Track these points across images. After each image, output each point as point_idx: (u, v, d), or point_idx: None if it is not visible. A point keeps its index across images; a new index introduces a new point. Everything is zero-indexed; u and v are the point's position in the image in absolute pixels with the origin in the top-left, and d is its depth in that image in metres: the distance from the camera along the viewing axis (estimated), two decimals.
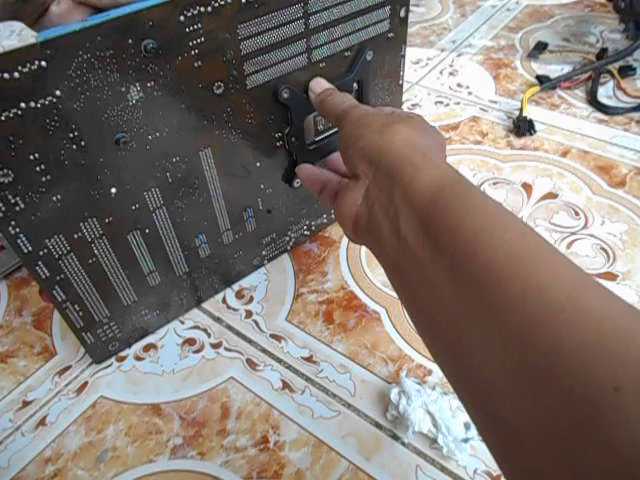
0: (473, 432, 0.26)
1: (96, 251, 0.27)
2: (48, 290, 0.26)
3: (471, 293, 0.15)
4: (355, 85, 0.33)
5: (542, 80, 0.52)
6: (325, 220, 0.39)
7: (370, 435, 0.28)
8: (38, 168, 0.22)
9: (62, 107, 0.21)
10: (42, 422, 0.29)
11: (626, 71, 0.53)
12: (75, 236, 0.25)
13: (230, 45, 0.25)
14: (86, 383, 0.31)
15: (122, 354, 0.32)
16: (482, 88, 0.54)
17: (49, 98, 0.21)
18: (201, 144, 0.28)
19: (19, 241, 0.24)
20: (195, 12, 0.23)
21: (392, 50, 0.34)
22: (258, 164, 0.31)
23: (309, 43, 0.29)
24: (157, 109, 0.25)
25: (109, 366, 0.32)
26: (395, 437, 0.28)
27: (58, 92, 0.21)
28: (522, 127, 0.47)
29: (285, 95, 0.29)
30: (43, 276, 0.25)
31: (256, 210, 0.33)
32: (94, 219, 0.26)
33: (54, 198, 0.24)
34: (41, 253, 0.25)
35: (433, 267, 0.17)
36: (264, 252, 0.36)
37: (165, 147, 0.26)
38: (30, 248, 0.24)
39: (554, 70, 0.55)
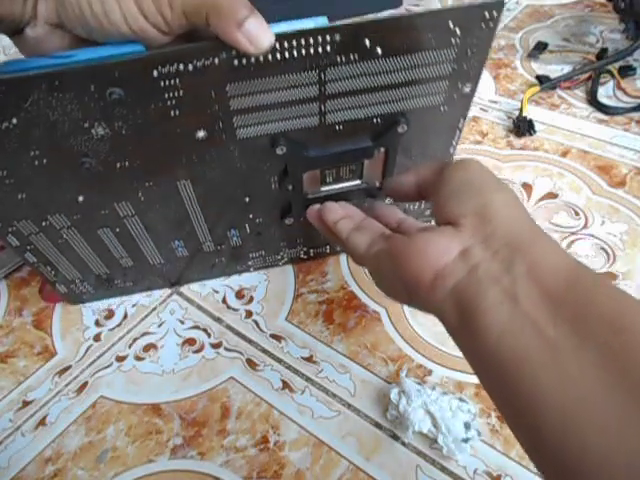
0: (473, 432, 0.26)
1: (65, 236, 0.27)
2: (20, 255, 0.27)
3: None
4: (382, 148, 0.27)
5: (542, 80, 0.52)
6: (327, 250, 0.36)
7: (370, 435, 0.28)
8: (0, 173, 0.22)
9: (20, 132, 0.21)
10: (42, 422, 0.29)
11: (626, 71, 0.53)
12: (43, 224, 0.26)
13: (216, 100, 0.22)
14: (86, 383, 0.31)
15: (122, 354, 0.32)
16: (482, 88, 0.54)
17: (5, 124, 0.20)
18: (179, 176, 0.26)
19: None
20: (172, 69, 0.20)
21: (443, 123, 0.27)
22: (247, 199, 0.29)
23: (324, 107, 0.24)
24: (126, 145, 0.23)
25: (109, 366, 0.32)
26: (395, 437, 0.27)
27: (15, 120, 0.20)
28: (522, 127, 0.46)
29: (280, 152, 0.25)
30: (14, 245, 0.27)
31: (243, 232, 0.32)
32: (61, 214, 0.26)
33: (19, 197, 0.24)
34: (10, 230, 0.26)
35: (571, 354, 0.15)
36: (250, 262, 0.35)
37: (136, 174, 0.25)
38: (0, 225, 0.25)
39: (554, 70, 0.55)
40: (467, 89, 0.25)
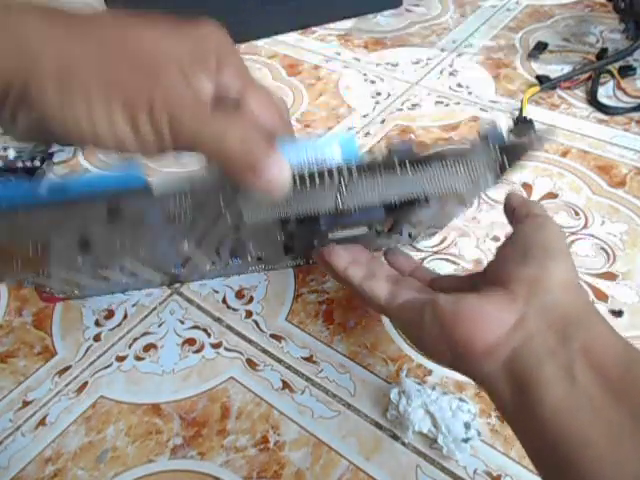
0: (473, 432, 0.26)
1: (65, 276, 0.29)
2: (18, 285, 0.30)
3: None
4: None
5: (542, 80, 0.52)
6: None
7: (370, 435, 0.28)
8: None
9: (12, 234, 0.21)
10: (42, 422, 0.29)
11: (626, 71, 0.53)
12: (40, 271, 0.27)
13: (224, 205, 0.21)
14: (86, 383, 0.31)
15: (122, 354, 0.32)
16: (482, 88, 0.54)
17: None
18: (181, 241, 0.26)
19: None
20: (177, 196, 0.19)
21: (462, 200, 0.27)
22: (251, 244, 0.29)
23: (341, 201, 0.22)
24: (125, 235, 0.23)
25: (109, 366, 0.32)
26: (395, 437, 0.27)
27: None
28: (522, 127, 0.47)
29: (291, 229, 0.25)
30: (12, 284, 0.29)
31: (244, 260, 0.32)
32: (60, 267, 0.27)
33: (14, 264, 0.24)
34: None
35: (629, 433, 0.15)
36: (249, 270, 0.36)
37: (136, 247, 0.25)
38: None
39: (554, 70, 0.55)
40: (495, 183, 0.25)
